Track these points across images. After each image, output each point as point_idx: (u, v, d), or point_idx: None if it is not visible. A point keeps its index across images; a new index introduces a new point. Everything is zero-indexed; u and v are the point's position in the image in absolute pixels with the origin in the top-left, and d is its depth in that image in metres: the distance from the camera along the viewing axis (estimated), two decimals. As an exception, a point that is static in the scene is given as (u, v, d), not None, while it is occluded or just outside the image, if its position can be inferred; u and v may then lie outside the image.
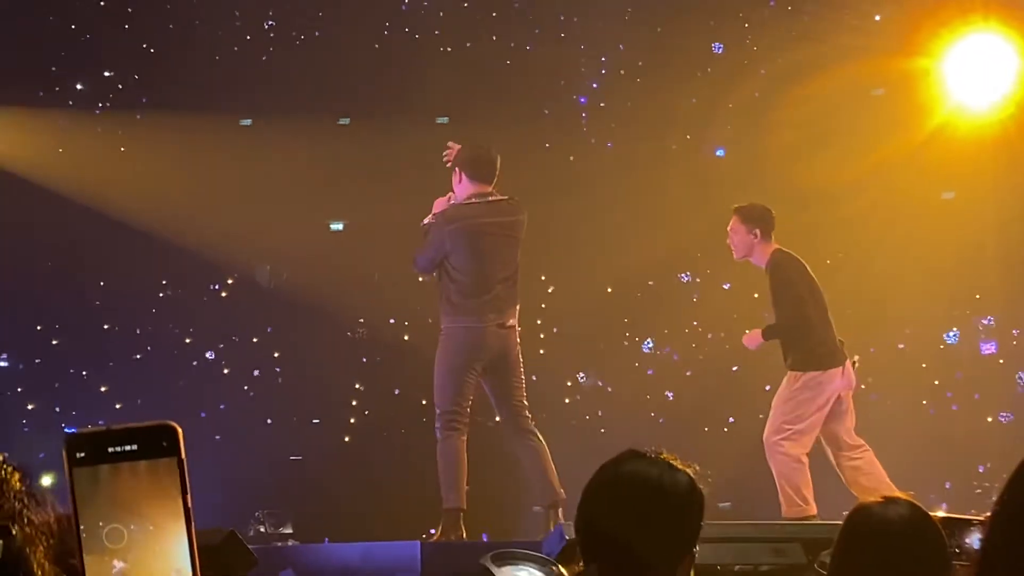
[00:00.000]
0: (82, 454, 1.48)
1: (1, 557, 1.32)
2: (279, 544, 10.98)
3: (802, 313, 9.79)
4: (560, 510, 9.24)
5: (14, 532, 1.33)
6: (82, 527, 1.46)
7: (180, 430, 1.50)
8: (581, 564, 3.42)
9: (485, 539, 10.60)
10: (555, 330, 14.29)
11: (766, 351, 13.89)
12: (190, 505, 1.48)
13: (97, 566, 1.46)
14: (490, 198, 9.42)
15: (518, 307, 9.44)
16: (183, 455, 1.49)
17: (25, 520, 1.35)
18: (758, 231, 9.87)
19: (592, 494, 3.45)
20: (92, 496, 1.47)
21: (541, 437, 9.45)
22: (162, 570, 1.47)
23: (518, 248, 9.46)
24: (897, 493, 4.13)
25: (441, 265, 9.40)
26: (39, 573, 1.36)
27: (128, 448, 1.49)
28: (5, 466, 1.38)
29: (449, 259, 9.36)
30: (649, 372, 14.43)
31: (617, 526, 3.37)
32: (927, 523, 3.98)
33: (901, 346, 14.01)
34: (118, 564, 1.47)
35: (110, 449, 1.49)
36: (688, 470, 3.44)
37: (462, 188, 9.44)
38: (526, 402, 9.47)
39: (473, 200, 9.41)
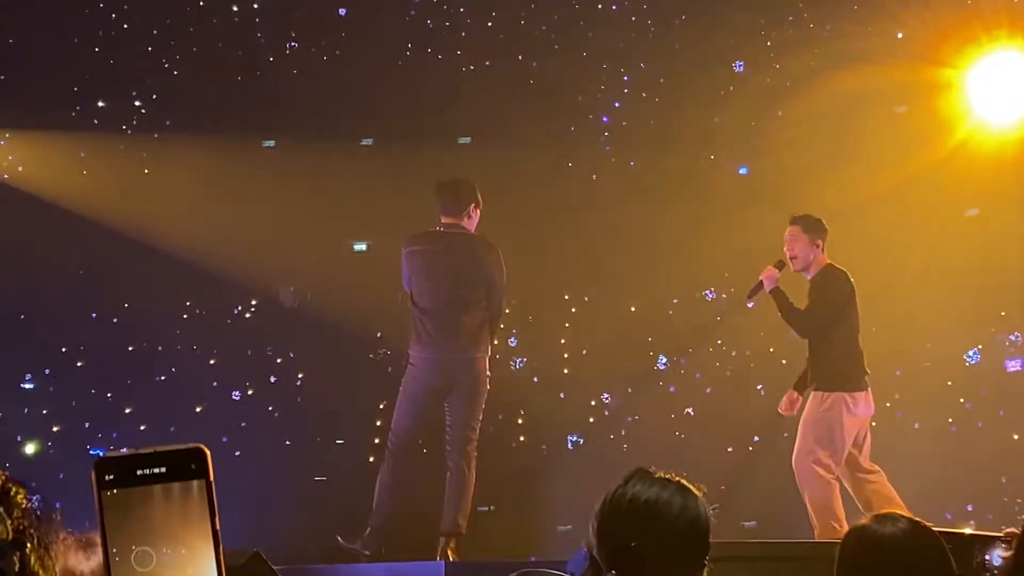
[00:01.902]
0: (111, 477, 1.48)
1: (18, 570, 1.32)
2: (303, 565, 10.97)
3: (823, 329, 9.78)
4: (454, 543, 9.30)
5: (28, 547, 1.33)
6: (112, 550, 1.45)
7: (208, 453, 1.50)
8: None
9: (533, 560, 10.60)
10: (579, 349, 14.27)
11: (793, 368, 13.87)
12: (218, 528, 1.48)
13: None
14: (452, 231, 9.47)
15: (487, 341, 9.42)
16: (211, 478, 1.49)
17: (34, 538, 1.35)
18: (820, 242, 9.87)
19: (602, 514, 3.45)
20: (121, 519, 1.47)
21: (473, 468, 9.49)
22: None
23: (484, 286, 9.44)
24: (895, 510, 4.09)
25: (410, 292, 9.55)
26: None
27: (157, 471, 1.49)
28: (9, 484, 1.38)
29: (411, 282, 9.49)
30: (672, 390, 14.40)
31: (627, 546, 3.37)
32: (928, 536, 3.93)
33: (926, 364, 13.96)
34: None
35: (139, 472, 1.48)
36: (697, 490, 3.45)
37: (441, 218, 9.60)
38: (475, 431, 9.48)
39: (436, 228, 9.54)
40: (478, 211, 9.61)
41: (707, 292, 14.49)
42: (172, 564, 1.46)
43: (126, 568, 1.46)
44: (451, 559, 9.24)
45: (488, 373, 9.64)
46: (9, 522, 1.34)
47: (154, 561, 1.46)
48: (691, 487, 3.45)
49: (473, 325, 9.38)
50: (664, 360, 14.46)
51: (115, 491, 1.47)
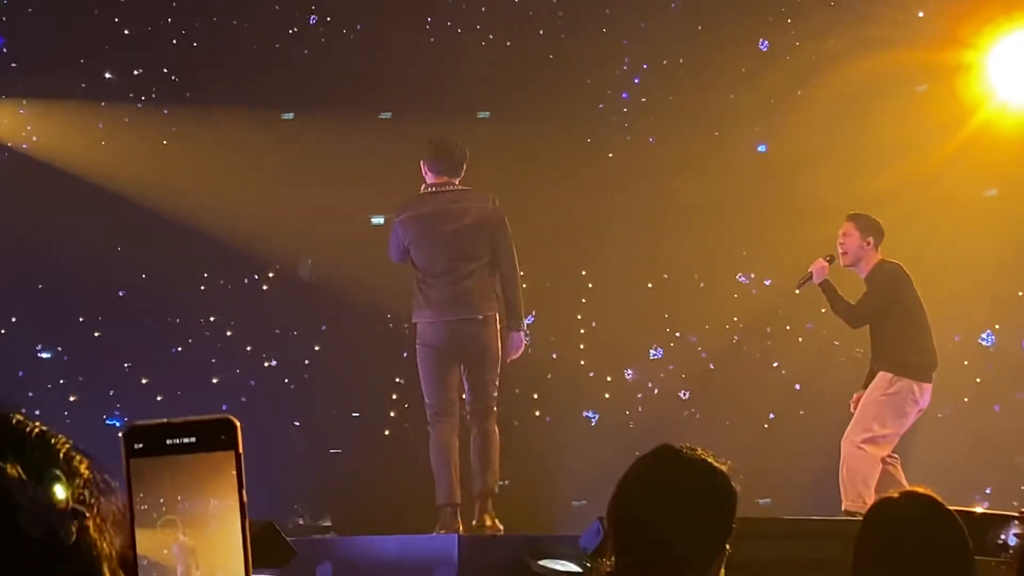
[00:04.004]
0: (140, 445, 1.47)
1: (73, 540, 1.32)
2: (318, 536, 11.01)
3: (874, 318, 9.79)
4: (490, 503, 9.25)
5: (88, 517, 1.33)
6: (138, 519, 1.45)
7: (239, 424, 1.49)
8: (612, 559, 3.39)
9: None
10: (594, 325, 14.27)
11: (809, 346, 13.87)
12: (245, 500, 1.47)
13: (150, 557, 1.46)
14: (444, 188, 9.36)
15: (495, 300, 9.31)
16: (241, 450, 1.49)
17: (95, 509, 1.35)
18: (871, 240, 9.90)
19: (627, 490, 3.42)
20: (148, 488, 1.46)
21: (496, 429, 9.42)
22: (215, 563, 1.47)
23: (486, 238, 9.24)
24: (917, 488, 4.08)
25: (409, 258, 9.42)
26: (106, 565, 1.36)
27: (186, 441, 1.48)
28: (73, 452, 1.38)
29: (410, 251, 9.37)
30: (688, 367, 14.40)
31: (653, 524, 3.34)
32: (945, 516, 3.91)
33: (957, 338, 13.95)
34: (171, 556, 1.47)
35: (168, 441, 1.48)
36: (724, 467, 3.42)
37: (427, 179, 9.47)
38: (494, 393, 9.37)
39: (426, 190, 9.42)
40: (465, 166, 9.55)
41: (741, 277, 14.45)
42: (198, 534, 1.46)
43: (152, 537, 1.46)
44: (488, 522, 9.16)
45: (524, 337, 9.53)
46: (70, 491, 1.34)
47: (180, 530, 1.46)
48: (717, 464, 3.42)
49: (479, 284, 9.20)
50: (679, 337, 14.46)
51: (143, 459, 1.47)
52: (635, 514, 3.39)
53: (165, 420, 1.48)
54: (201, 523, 1.46)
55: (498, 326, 9.34)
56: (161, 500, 1.46)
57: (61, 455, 1.37)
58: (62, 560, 1.31)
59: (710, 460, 3.42)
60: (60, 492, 1.33)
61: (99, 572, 1.34)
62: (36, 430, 1.40)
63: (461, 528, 9.21)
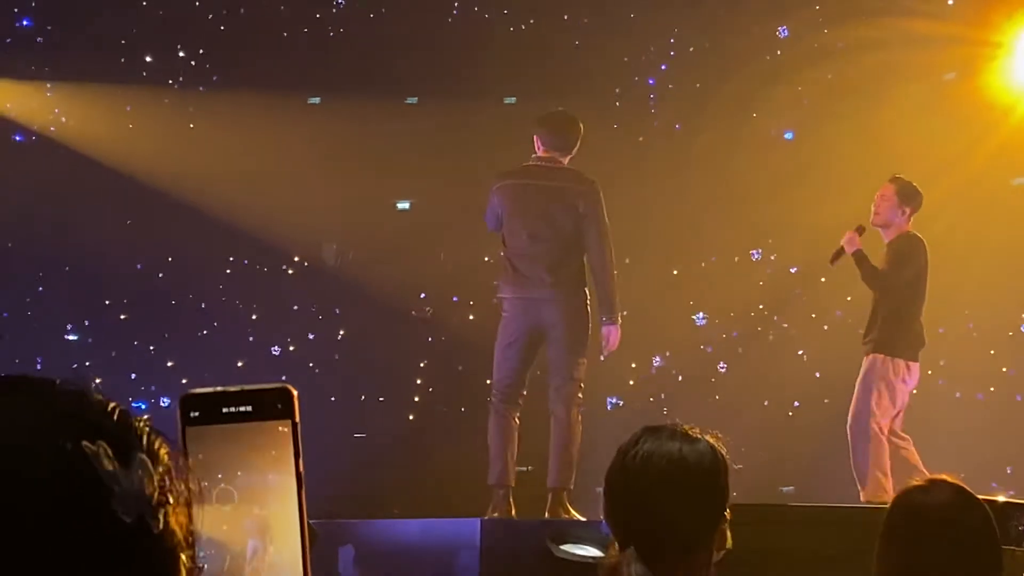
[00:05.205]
0: (196, 413, 1.46)
1: (160, 528, 1.30)
2: (341, 520, 11.02)
3: (896, 291, 9.73)
4: (564, 498, 9.11)
5: (166, 507, 1.31)
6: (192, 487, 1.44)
7: (296, 393, 1.49)
8: (616, 547, 3.39)
9: None
10: (619, 311, 14.24)
11: (834, 334, 13.82)
12: (302, 470, 1.46)
13: (213, 533, 1.44)
14: (546, 164, 9.24)
15: (576, 282, 9.12)
16: (297, 418, 1.48)
17: (171, 495, 1.33)
18: (908, 209, 9.81)
19: (615, 478, 3.42)
20: (203, 456, 1.46)
21: (579, 420, 9.22)
22: (282, 538, 1.46)
23: (573, 220, 9.10)
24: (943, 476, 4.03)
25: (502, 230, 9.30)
26: (184, 552, 1.35)
27: (243, 409, 1.47)
28: (154, 436, 1.36)
29: (503, 221, 9.24)
30: (712, 354, 14.36)
31: (646, 507, 3.35)
32: (971, 506, 3.86)
33: (970, 325, 13.88)
34: (240, 531, 1.45)
35: (224, 410, 1.47)
36: (708, 437, 3.42)
37: (537, 152, 9.35)
38: (577, 376, 9.19)
39: (530, 163, 9.31)
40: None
41: (753, 252, 14.41)
42: (254, 504, 1.45)
43: (214, 511, 1.44)
44: (564, 517, 9.05)
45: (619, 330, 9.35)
46: (155, 476, 1.31)
47: (236, 500, 1.45)
48: (701, 435, 3.42)
49: (558, 264, 9.03)
50: (705, 323, 14.43)
51: (199, 427, 1.46)
52: (625, 501, 3.40)
53: (221, 388, 1.47)
54: (258, 493, 1.45)
55: (581, 308, 9.16)
56: (217, 469, 1.45)
57: (144, 438, 1.35)
58: (149, 548, 1.29)
59: (691, 431, 3.42)
60: (147, 477, 1.30)
61: (177, 560, 1.33)
62: (118, 410, 1.37)
63: (513, 511, 9.16)
